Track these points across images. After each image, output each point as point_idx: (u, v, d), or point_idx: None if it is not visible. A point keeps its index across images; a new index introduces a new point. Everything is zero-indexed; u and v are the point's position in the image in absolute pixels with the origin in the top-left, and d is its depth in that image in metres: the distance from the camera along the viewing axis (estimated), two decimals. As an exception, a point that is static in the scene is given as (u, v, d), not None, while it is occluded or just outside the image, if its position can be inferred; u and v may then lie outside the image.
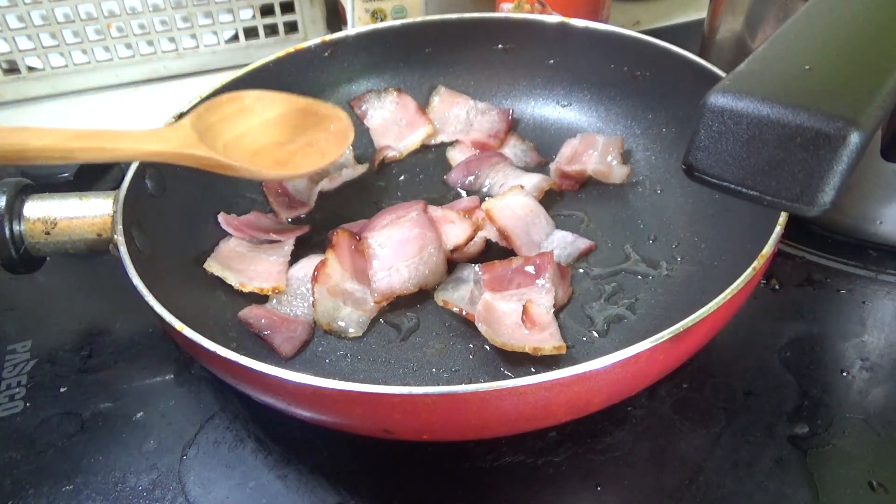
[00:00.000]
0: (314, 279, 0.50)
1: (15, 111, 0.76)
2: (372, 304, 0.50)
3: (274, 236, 0.55)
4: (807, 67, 0.31)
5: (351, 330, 0.49)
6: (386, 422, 0.37)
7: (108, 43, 0.76)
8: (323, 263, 0.51)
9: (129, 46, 0.77)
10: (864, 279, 0.54)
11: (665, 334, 0.36)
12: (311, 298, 0.50)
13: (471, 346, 0.48)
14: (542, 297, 0.48)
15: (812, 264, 0.55)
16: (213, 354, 0.38)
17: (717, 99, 0.30)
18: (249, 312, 0.50)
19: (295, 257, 0.54)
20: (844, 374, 0.47)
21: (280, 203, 0.60)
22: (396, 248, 0.51)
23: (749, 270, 0.40)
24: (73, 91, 0.78)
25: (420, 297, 0.51)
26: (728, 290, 0.39)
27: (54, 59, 0.75)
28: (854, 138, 0.28)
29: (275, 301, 0.51)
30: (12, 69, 0.75)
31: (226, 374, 0.40)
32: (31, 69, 0.75)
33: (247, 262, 0.53)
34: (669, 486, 0.42)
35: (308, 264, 0.52)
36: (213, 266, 0.52)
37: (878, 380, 0.47)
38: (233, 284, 0.51)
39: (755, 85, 0.31)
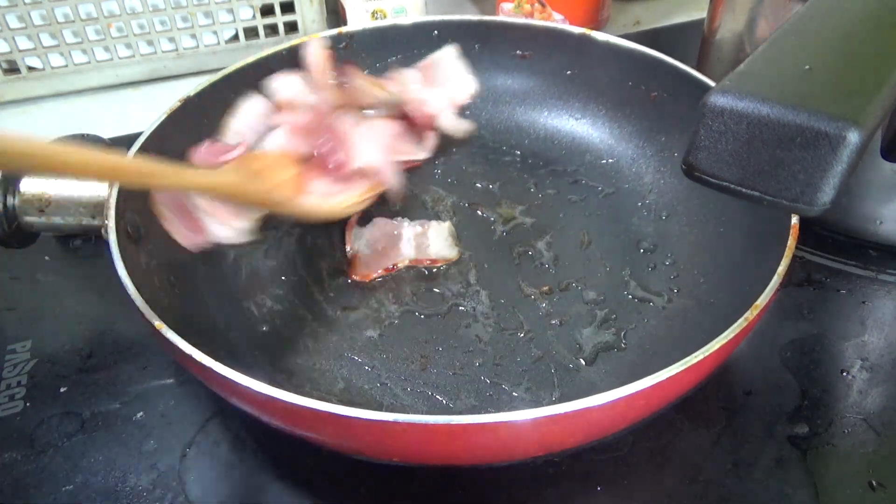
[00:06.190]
0: None
1: (15, 111, 0.76)
2: None
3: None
4: (807, 67, 0.31)
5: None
6: (355, 444, 0.37)
7: (108, 43, 0.76)
8: None
9: (129, 46, 0.77)
10: (864, 279, 0.54)
11: (641, 383, 0.35)
12: None
13: (456, 363, 0.47)
14: None
15: (812, 264, 0.55)
16: (188, 357, 0.37)
17: (717, 99, 0.30)
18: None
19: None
20: (844, 374, 0.47)
21: None
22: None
23: (741, 320, 0.38)
24: (73, 91, 0.78)
25: (404, 298, 0.51)
26: (715, 341, 0.37)
27: (54, 59, 0.75)
28: (854, 138, 0.28)
29: None
30: (12, 69, 0.75)
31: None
32: (31, 69, 0.75)
33: None
34: (669, 486, 0.42)
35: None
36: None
37: (878, 380, 0.47)
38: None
39: (755, 85, 0.31)
